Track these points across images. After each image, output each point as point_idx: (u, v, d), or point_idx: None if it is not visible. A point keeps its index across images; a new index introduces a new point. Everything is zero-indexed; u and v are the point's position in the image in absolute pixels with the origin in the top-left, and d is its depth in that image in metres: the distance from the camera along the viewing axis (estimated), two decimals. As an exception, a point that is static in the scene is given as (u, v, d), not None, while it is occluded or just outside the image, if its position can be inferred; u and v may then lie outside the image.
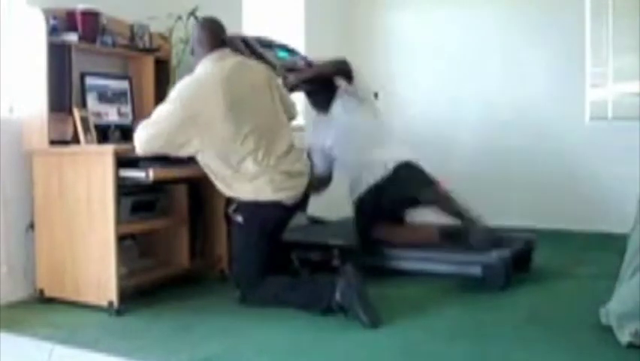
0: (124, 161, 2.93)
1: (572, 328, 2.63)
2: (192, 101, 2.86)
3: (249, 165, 2.92)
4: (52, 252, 3.08)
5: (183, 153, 2.91)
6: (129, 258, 3.26)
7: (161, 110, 2.89)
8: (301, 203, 3.15)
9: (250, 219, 3.01)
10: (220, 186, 3.03)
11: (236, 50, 3.35)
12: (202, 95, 2.88)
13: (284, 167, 2.98)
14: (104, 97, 3.39)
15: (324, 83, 3.67)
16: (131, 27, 3.53)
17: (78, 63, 3.20)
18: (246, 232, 3.03)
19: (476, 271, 3.27)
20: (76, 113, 3.11)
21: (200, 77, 2.96)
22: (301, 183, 3.05)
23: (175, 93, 2.91)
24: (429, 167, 3.83)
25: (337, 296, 2.70)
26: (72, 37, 3.13)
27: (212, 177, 3.02)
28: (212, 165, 2.96)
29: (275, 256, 3.08)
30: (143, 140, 2.86)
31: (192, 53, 3.13)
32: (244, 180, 2.94)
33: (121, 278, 2.95)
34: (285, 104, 3.20)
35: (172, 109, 2.86)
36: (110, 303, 2.90)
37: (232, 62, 3.03)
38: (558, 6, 5.05)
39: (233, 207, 3.05)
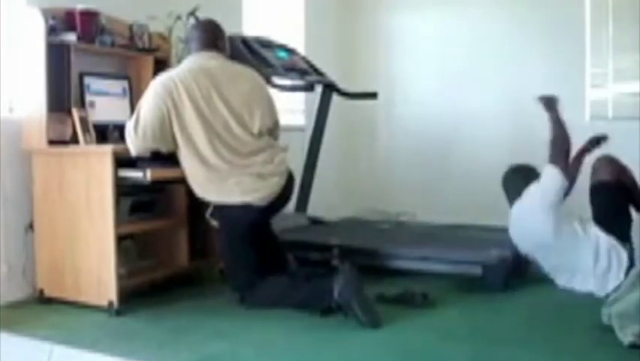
0: (123, 161, 2.93)
1: (571, 328, 2.63)
2: (165, 95, 2.89)
3: (218, 163, 2.91)
4: (51, 252, 3.08)
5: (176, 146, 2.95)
6: (129, 258, 3.26)
7: (139, 109, 2.92)
8: (280, 203, 3.11)
9: (224, 223, 3.01)
10: (194, 186, 3.01)
11: (236, 54, 3.34)
12: (173, 90, 2.90)
13: (254, 169, 2.96)
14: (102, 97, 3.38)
15: None
16: (130, 27, 3.52)
17: (77, 63, 3.19)
18: (224, 235, 3.03)
19: (476, 271, 3.27)
20: (75, 113, 3.10)
21: (172, 74, 2.99)
22: (273, 184, 3.00)
23: (151, 89, 2.95)
24: (430, 167, 3.85)
25: (336, 295, 2.69)
26: (71, 37, 3.12)
27: (189, 180, 3.01)
28: (186, 164, 2.96)
29: (268, 257, 3.08)
30: (133, 142, 2.89)
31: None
32: (215, 180, 2.93)
33: (120, 278, 2.95)
34: (271, 113, 3.17)
35: (151, 106, 2.89)
36: (110, 303, 2.89)
37: (214, 63, 3.05)
38: (558, 6, 5.05)
39: (209, 211, 3.04)
